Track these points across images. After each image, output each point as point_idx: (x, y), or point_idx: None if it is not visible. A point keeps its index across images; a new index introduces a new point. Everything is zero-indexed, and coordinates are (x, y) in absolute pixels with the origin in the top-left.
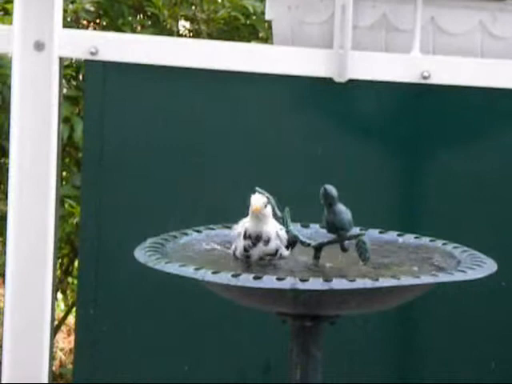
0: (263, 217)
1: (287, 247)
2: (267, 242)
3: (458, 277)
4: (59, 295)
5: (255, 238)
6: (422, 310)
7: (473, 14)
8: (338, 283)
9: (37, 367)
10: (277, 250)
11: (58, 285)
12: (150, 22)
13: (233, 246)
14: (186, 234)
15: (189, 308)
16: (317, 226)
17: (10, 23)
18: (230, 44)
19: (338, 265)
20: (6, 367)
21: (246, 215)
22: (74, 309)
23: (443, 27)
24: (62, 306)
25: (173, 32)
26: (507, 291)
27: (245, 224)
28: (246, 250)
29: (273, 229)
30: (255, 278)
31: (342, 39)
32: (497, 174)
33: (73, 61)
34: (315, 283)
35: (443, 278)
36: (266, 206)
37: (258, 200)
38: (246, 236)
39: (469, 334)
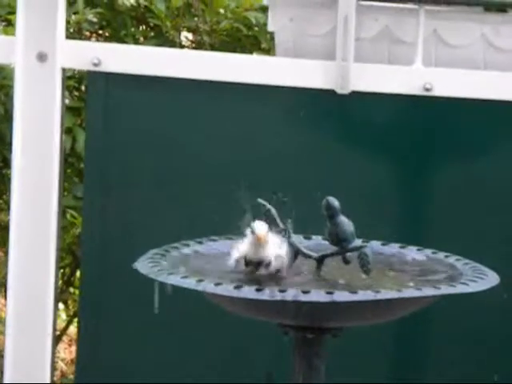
0: (265, 243)
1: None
2: (268, 265)
3: (460, 289)
4: (60, 305)
5: (257, 264)
6: (424, 323)
7: (475, 27)
8: (340, 295)
9: (38, 377)
10: (278, 270)
11: (60, 295)
12: (152, 34)
13: (231, 262)
14: (188, 246)
15: (191, 319)
16: (319, 237)
17: (13, 34)
18: (232, 55)
19: (341, 277)
20: (8, 377)
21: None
22: (75, 319)
23: (446, 39)
24: (63, 316)
25: (175, 43)
26: (510, 303)
27: (243, 249)
28: (246, 274)
29: (272, 251)
30: (257, 290)
31: (344, 51)
32: (499, 186)
33: (75, 72)
34: (317, 295)
35: (445, 290)
36: (267, 232)
37: (261, 228)
38: (247, 262)
39: (471, 346)
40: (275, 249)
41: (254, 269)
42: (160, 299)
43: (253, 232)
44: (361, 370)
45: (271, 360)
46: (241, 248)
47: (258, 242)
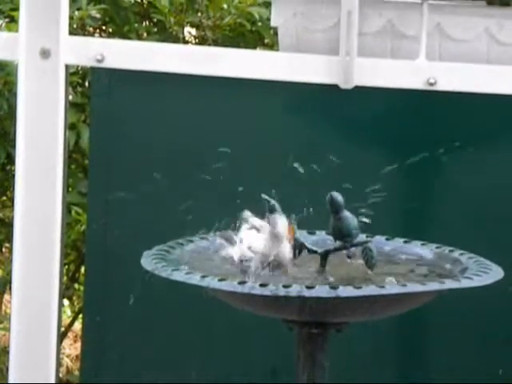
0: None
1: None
2: (281, 264)
3: (465, 283)
4: (65, 302)
5: (275, 266)
6: (429, 316)
7: (479, 21)
8: (344, 291)
9: (44, 374)
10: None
11: (65, 291)
12: (155, 29)
13: (236, 256)
14: (192, 242)
15: (195, 315)
16: (323, 232)
17: (16, 30)
18: (235, 51)
19: (345, 272)
20: (13, 374)
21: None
22: (80, 315)
23: (449, 34)
24: (68, 312)
25: (178, 39)
26: None
27: (260, 248)
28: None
29: (287, 252)
30: (261, 285)
31: (347, 46)
32: (504, 181)
33: (79, 68)
34: (321, 290)
35: (450, 284)
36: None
37: (284, 225)
38: (263, 264)
39: (476, 340)
40: (288, 250)
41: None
42: (166, 296)
43: (274, 228)
44: (365, 365)
45: (275, 355)
46: (255, 245)
47: (278, 238)
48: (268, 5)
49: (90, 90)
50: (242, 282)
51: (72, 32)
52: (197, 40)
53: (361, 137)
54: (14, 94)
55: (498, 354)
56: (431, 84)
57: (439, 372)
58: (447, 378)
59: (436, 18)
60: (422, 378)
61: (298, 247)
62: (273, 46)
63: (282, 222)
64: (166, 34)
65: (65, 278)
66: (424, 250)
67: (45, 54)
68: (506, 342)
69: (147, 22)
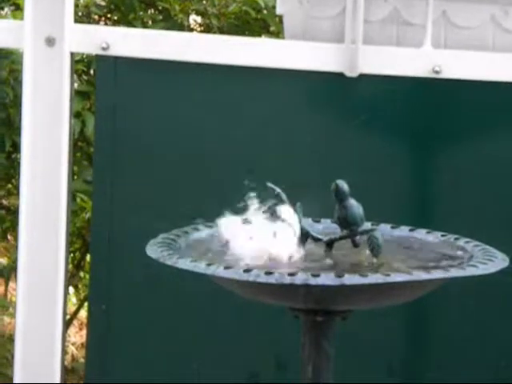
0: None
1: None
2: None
3: (470, 271)
4: (71, 289)
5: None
6: (432, 306)
7: (484, 8)
8: (350, 278)
9: (49, 361)
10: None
11: (70, 279)
12: (160, 17)
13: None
14: (198, 230)
15: (201, 304)
16: (328, 220)
17: (21, 18)
18: (240, 38)
19: (350, 260)
20: (18, 361)
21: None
22: (85, 303)
23: (455, 21)
24: (73, 300)
25: (184, 27)
26: None
27: (264, 244)
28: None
29: (293, 247)
30: (266, 273)
31: (353, 33)
32: (509, 169)
33: (84, 56)
34: (327, 278)
35: (455, 272)
36: None
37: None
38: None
39: (479, 329)
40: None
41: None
42: (171, 284)
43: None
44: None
45: (280, 343)
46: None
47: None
48: None
49: (95, 78)
50: (247, 270)
51: (77, 20)
52: (202, 28)
53: (366, 124)
54: (20, 82)
55: (497, 345)
56: (437, 72)
57: (439, 359)
58: (448, 367)
59: (441, 6)
60: (423, 365)
61: (303, 235)
62: (278, 33)
63: (286, 211)
64: (171, 22)
65: (70, 265)
66: (429, 238)
67: (50, 41)
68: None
69: (152, 10)
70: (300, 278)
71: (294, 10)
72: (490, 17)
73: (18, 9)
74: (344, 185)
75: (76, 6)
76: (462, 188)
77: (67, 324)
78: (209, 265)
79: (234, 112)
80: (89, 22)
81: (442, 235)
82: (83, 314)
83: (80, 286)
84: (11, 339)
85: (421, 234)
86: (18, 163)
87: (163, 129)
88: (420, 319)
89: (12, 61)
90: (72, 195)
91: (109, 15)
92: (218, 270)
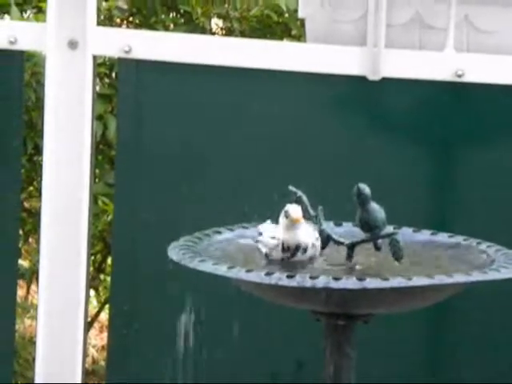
0: (300, 225)
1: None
2: (305, 250)
3: (492, 276)
4: (91, 292)
5: (294, 249)
6: (453, 309)
7: (507, 12)
8: (371, 282)
9: (70, 364)
10: (311, 258)
11: (91, 282)
12: (182, 20)
13: (264, 250)
14: (220, 233)
15: (221, 304)
16: (350, 224)
17: (44, 21)
18: (262, 42)
19: (372, 264)
20: (40, 364)
21: (279, 213)
22: (106, 306)
23: (477, 25)
24: (94, 302)
25: (205, 30)
26: None
27: (279, 235)
28: (283, 259)
29: (309, 238)
30: (288, 276)
31: (375, 37)
32: None
33: (106, 59)
34: (348, 282)
35: (477, 276)
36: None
37: (296, 210)
38: (285, 248)
39: (502, 333)
40: (311, 236)
41: (290, 255)
42: (192, 286)
43: (287, 215)
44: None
45: (302, 347)
46: (276, 234)
47: (294, 224)
48: None
49: (117, 81)
50: (268, 274)
51: (100, 23)
52: (224, 31)
53: (388, 128)
54: (42, 85)
55: None
56: (459, 76)
57: (460, 361)
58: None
59: (464, 9)
60: (444, 367)
61: (325, 238)
62: (300, 37)
63: (294, 209)
64: (193, 26)
65: (91, 268)
66: (451, 242)
67: (72, 44)
68: None
69: (174, 14)
70: (321, 282)
71: (315, 14)
72: None
73: (40, 11)
74: (366, 188)
75: (98, 9)
76: (484, 192)
77: (88, 326)
78: (230, 268)
79: (255, 115)
80: (111, 26)
81: (465, 239)
82: (103, 316)
83: (101, 288)
84: (32, 341)
85: (443, 237)
86: (40, 166)
87: (185, 131)
88: (438, 321)
89: (34, 63)
90: (94, 198)
91: (131, 19)
92: (240, 273)
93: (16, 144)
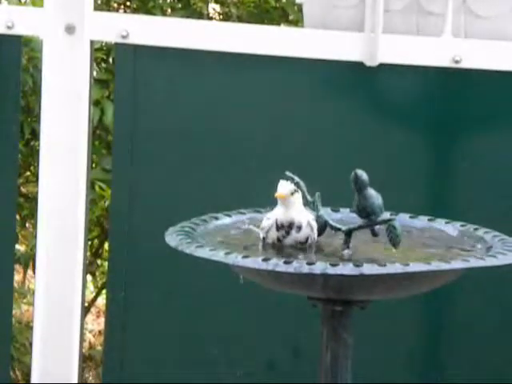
0: (291, 204)
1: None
2: (299, 228)
3: (489, 262)
4: (88, 277)
5: (288, 227)
6: (451, 294)
7: None
8: (368, 268)
9: (67, 349)
10: (307, 238)
11: (88, 267)
12: (180, 5)
13: (262, 233)
14: (217, 218)
15: (219, 291)
16: (347, 210)
17: (41, 6)
18: (260, 27)
19: (369, 250)
20: (37, 349)
21: (275, 200)
22: (103, 291)
23: (475, 11)
24: (91, 287)
25: (203, 15)
26: None
27: (275, 215)
28: (279, 239)
29: (304, 217)
30: (285, 262)
31: (373, 23)
32: None
33: (103, 44)
34: (345, 268)
35: (474, 263)
36: (293, 194)
37: (283, 187)
38: (279, 226)
39: (501, 320)
40: (308, 217)
41: (285, 232)
42: (189, 272)
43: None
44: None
45: (298, 333)
46: (271, 215)
47: (279, 200)
48: None
49: (115, 66)
50: (266, 259)
51: (97, 8)
52: (221, 16)
53: (385, 114)
54: (39, 70)
55: None
56: (456, 61)
57: (458, 351)
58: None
59: None
60: (448, 358)
61: (322, 224)
62: (297, 22)
63: (281, 185)
64: (191, 11)
65: (88, 253)
66: (448, 228)
67: (70, 29)
68: None
69: None
70: (318, 268)
71: None
72: (511, 6)
73: None
74: (363, 174)
75: None
76: (482, 177)
77: (85, 312)
78: (227, 254)
79: (251, 101)
80: (108, 10)
81: (462, 225)
82: (101, 301)
83: (98, 273)
84: (29, 326)
85: (440, 224)
86: (37, 151)
87: (182, 117)
88: (436, 308)
89: (31, 48)
90: (91, 183)
91: (128, 3)
92: (237, 259)
93: (13, 129)
